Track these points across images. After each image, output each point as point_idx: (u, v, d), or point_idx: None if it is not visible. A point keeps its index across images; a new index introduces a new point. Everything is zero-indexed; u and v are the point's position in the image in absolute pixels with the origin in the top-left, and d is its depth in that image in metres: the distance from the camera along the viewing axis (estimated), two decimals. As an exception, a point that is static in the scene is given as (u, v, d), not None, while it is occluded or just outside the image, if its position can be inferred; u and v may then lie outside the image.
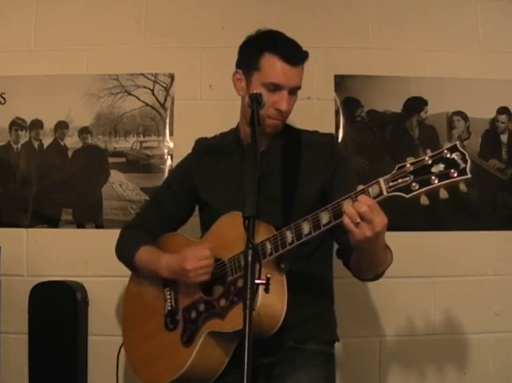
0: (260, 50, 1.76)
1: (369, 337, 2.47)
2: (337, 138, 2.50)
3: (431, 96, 2.55)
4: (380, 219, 1.41)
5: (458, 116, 2.55)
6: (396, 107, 2.55)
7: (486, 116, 2.56)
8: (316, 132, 1.92)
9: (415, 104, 2.55)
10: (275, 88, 1.74)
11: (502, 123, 2.56)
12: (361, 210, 1.40)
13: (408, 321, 2.46)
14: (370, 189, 1.43)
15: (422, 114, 2.55)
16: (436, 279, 2.49)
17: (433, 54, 2.57)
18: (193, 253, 1.76)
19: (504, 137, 2.57)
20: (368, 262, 1.60)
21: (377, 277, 1.70)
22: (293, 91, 1.78)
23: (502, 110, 2.56)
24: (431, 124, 2.55)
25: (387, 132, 2.55)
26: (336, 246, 1.85)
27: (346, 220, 1.43)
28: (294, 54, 1.76)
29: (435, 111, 2.55)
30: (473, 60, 2.57)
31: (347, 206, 1.43)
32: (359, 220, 1.41)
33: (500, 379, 2.45)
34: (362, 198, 1.42)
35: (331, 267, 1.92)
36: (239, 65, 1.85)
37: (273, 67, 1.73)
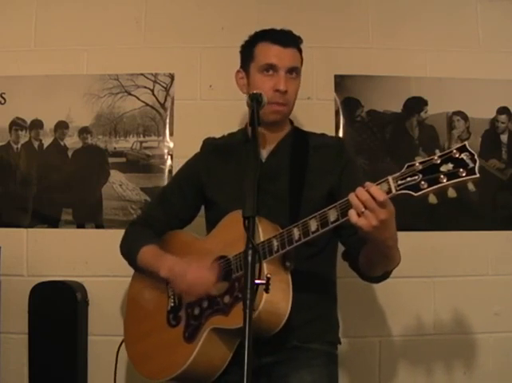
0: (253, 43, 1.86)
1: (369, 337, 2.47)
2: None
3: (431, 96, 2.55)
4: (385, 207, 1.41)
5: (458, 116, 2.55)
6: (396, 107, 2.55)
7: (486, 116, 2.56)
8: (324, 135, 1.95)
9: (415, 104, 2.55)
10: (271, 70, 1.80)
11: (502, 123, 2.56)
12: (363, 198, 1.41)
13: (408, 322, 2.46)
14: (379, 187, 1.43)
15: (422, 114, 2.55)
16: (436, 279, 2.49)
17: (433, 54, 2.57)
18: (201, 270, 1.74)
19: (504, 137, 2.57)
20: (380, 254, 1.58)
21: (385, 275, 1.70)
22: (291, 72, 1.82)
23: (502, 110, 2.56)
24: (431, 124, 2.55)
25: (387, 132, 2.55)
26: (341, 249, 1.85)
27: (351, 212, 1.43)
28: (284, 36, 1.84)
29: (435, 111, 2.55)
30: (473, 60, 2.57)
31: (351, 196, 1.43)
32: (363, 209, 1.41)
33: (500, 379, 2.45)
34: (366, 186, 1.42)
35: (335, 268, 1.92)
36: (240, 65, 1.92)
37: (266, 51, 1.82)
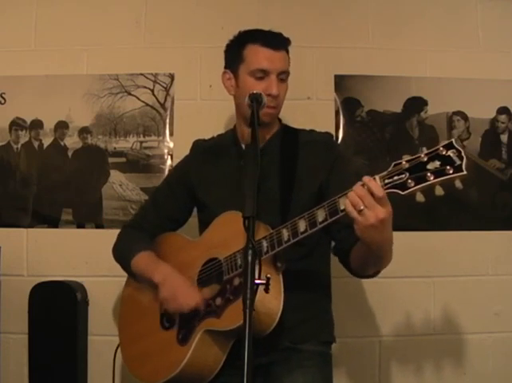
0: (242, 44, 1.82)
1: (369, 337, 2.47)
2: (337, 138, 2.50)
3: (431, 96, 2.55)
4: (384, 206, 1.40)
5: (458, 116, 2.55)
6: (396, 107, 2.55)
7: (486, 116, 2.56)
8: (313, 131, 1.94)
9: (415, 104, 2.55)
10: (262, 74, 1.78)
11: (502, 123, 2.56)
12: (362, 193, 1.39)
13: (408, 321, 2.46)
14: (378, 183, 1.42)
15: (422, 114, 2.55)
16: (436, 279, 2.49)
17: (433, 54, 2.57)
18: (191, 289, 1.78)
19: (504, 137, 2.57)
20: (374, 255, 1.56)
21: (376, 273, 1.69)
22: (281, 76, 1.80)
23: (502, 110, 2.56)
24: (431, 124, 2.55)
25: (387, 132, 2.55)
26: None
27: (349, 208, 1.41)
28: (275, 39, 1.81)
29: (435, 111, 2.55)
30: (473, 60, 2.57)
31: (351, 193, 1.42)
32: (362, 207, 1.39)
33: (500, 379, 2.45)
34: (365, 181, 1.41)
35: (329, 267, 1.91)
36: (226, 65, 1.90)
37: (257, 54, 1.79)
